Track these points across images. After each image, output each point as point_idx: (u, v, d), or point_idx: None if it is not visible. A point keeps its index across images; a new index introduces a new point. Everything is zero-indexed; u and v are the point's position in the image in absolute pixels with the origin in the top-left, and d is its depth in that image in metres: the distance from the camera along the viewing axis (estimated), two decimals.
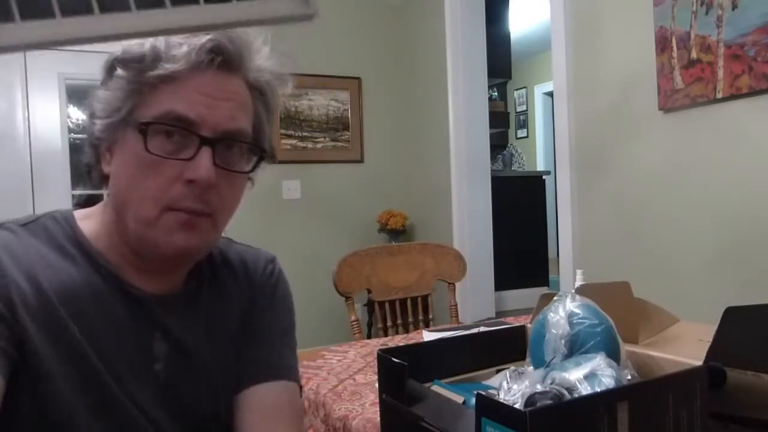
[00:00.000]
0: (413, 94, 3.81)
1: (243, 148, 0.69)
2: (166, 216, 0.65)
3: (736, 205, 1.89)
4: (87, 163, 0.70)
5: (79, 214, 0.72)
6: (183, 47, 0.63)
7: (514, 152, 7.53)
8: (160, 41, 0.63)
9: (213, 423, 0.73)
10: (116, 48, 0.65)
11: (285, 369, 0.78)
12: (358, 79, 3.78)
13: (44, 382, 0.61)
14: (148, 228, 0.65)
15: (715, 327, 0.68)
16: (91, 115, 0.67)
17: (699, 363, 0.63)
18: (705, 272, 1.99)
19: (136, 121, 0.64)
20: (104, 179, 0.69)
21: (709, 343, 0.67)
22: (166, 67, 0.63)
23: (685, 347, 0.92)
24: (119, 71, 0.65)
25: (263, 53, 0.71)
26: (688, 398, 0.57)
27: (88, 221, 0.71)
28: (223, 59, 0.65)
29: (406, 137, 3.87)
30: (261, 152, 0.71)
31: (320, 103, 3.70)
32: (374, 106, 3.84)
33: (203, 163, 0.64)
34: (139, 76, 0.64)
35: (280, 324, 0.81)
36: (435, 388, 0.71)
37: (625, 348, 0.69)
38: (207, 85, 0.65)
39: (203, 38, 0.64)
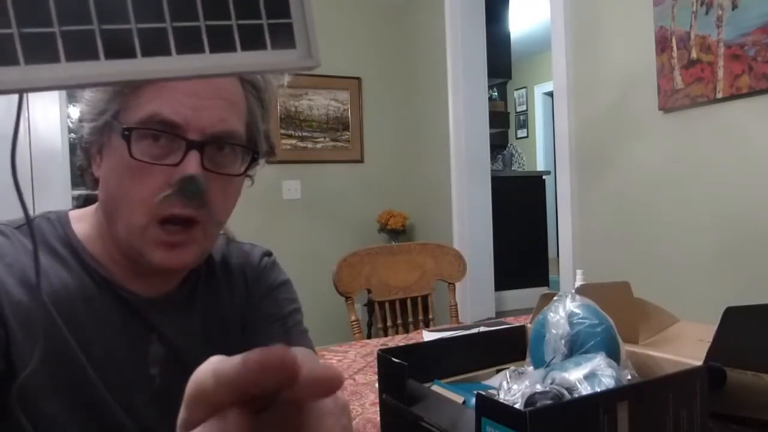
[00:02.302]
0: (413, 94, 3.81)
1: (235, 149, 0.66)
2: (154, 229, 0.63)
3: (736, 205, 1.89)
4: (79, 165, 0.69)
5: (73, 215, 0.71)
6: None
7: (514, 152, 7.53)
8: None
9: None
10: None
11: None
12: (358, 79, 3.78)
13: (28, 385, 0.60)
14: (139, 239, 0.63)
15: (715, 327, 0.68)
16: (80, 118, 0.66)
17: (699, 363, 0.63)
18: (705, 272, 1.99)
19: (120, 126, 0.62)
20: (96, 182, 0.67)
21: (709, 343, 0.67)
22: None
23: (685, 347, 0.92)
24: None
25: None
26: (688, 398, 0.56)
27: (82, 223, 0.70)
28: None
29: (406, 137, 3.87)
30: (254, 152, 0.68)
31: (320, 103, 3.70)
32: (374, 106, 3.84)
33: (190, 169, 0.61)
34: None
35: (282, 311, 0.79)
36: (435, 388, 0.71)
37: (625, 348, 0.69)
38: (193, 83, 0.61)
39: None
